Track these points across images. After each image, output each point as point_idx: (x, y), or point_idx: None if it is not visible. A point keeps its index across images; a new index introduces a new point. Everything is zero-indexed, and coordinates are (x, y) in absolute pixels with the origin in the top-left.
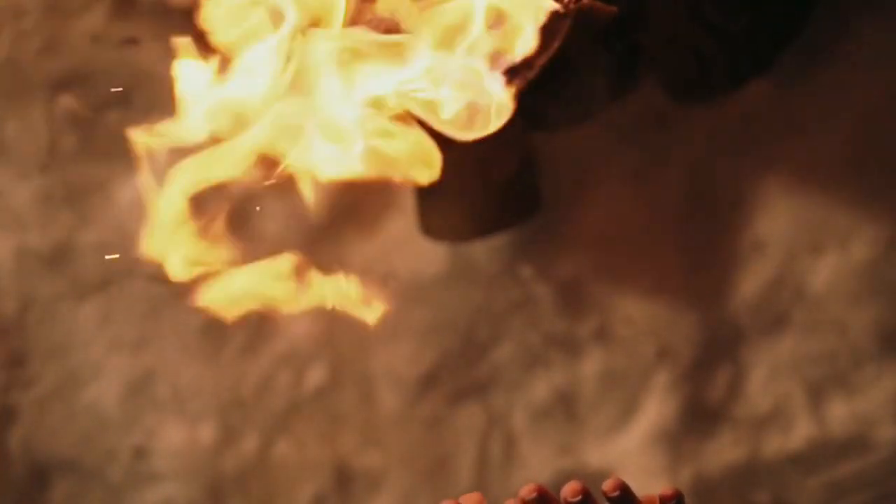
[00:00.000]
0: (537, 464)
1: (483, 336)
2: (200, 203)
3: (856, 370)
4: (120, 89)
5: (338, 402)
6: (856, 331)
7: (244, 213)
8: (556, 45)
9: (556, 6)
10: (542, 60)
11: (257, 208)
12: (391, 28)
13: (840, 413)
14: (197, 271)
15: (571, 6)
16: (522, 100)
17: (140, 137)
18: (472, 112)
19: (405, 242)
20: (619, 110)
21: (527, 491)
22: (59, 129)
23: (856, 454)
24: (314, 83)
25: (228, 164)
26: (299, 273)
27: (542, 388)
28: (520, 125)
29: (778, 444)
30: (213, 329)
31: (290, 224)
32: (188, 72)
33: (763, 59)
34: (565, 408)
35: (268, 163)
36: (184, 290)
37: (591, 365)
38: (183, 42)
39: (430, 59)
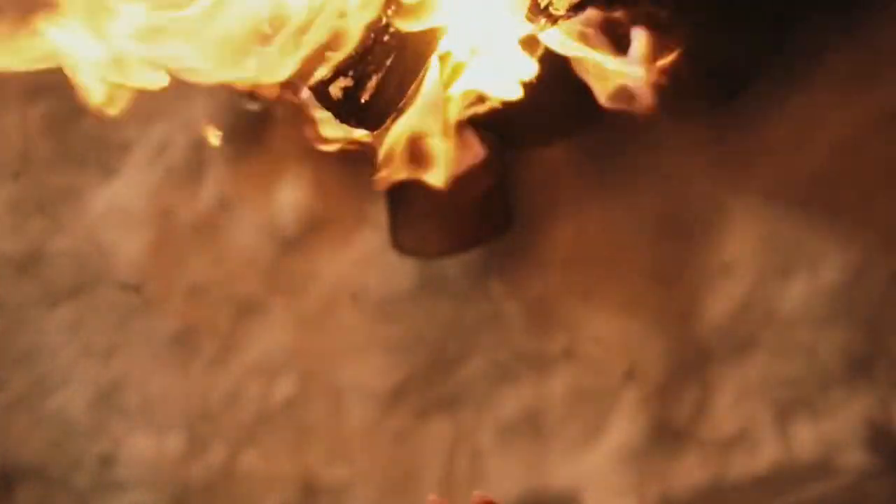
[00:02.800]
0: (503, 480)
1: (452, 351)
2: None
3: (823, 394)
4: None
5: (306, 414)
6: (824, 354)
7: (215, 224)
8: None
9: (532, 28)
10: None
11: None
12: None
13: (806, 436)
14: None
15: (547, 27)
16: (498, 118)
17: None
18: None
19: (377, 257)
20: (592, 131)
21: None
22: (32, 136)
23: (821, 478)
24: None
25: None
26: None
27: (510, 404)
28: (494, 143)
29: (743, 465)
30: (184, 339)
31: (262, 236)
32: None
33: (737, 83)
34: (533, 425)
35: None
36: (154, 300)
37: (560, 383)
38: None
39: None
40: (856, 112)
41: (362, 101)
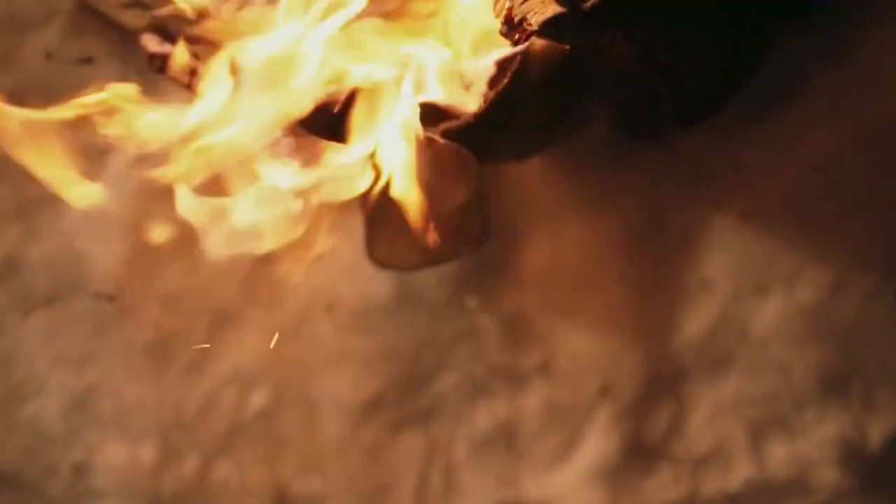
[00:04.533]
0: (477, 495)
1: (427, 365)
2: None
3: (798, 413)
4: None
5: (280, 426)
6: (799, 373)
7: (189, 237)
8: (506, 79)
9: (506, 41)
10: (493, 94)
11: None
12: None
13: (780, 455)
14: None
15: (521, 41)
16: (473, 132)
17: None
18: None
19: (352, 269)
20: (568, 146)
21: None
22: None
23: (795, 497)
24: None
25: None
26: None
27: (484, 419)
28: (470, 157)
29: (717, 484)
30: (158, 348)
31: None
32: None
33: (713, 100)
34: (507, 440)
35: None
36: (129, 307)
37: (534, 398)
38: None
39: None
40: (834, 131)
41: (335, 112)
